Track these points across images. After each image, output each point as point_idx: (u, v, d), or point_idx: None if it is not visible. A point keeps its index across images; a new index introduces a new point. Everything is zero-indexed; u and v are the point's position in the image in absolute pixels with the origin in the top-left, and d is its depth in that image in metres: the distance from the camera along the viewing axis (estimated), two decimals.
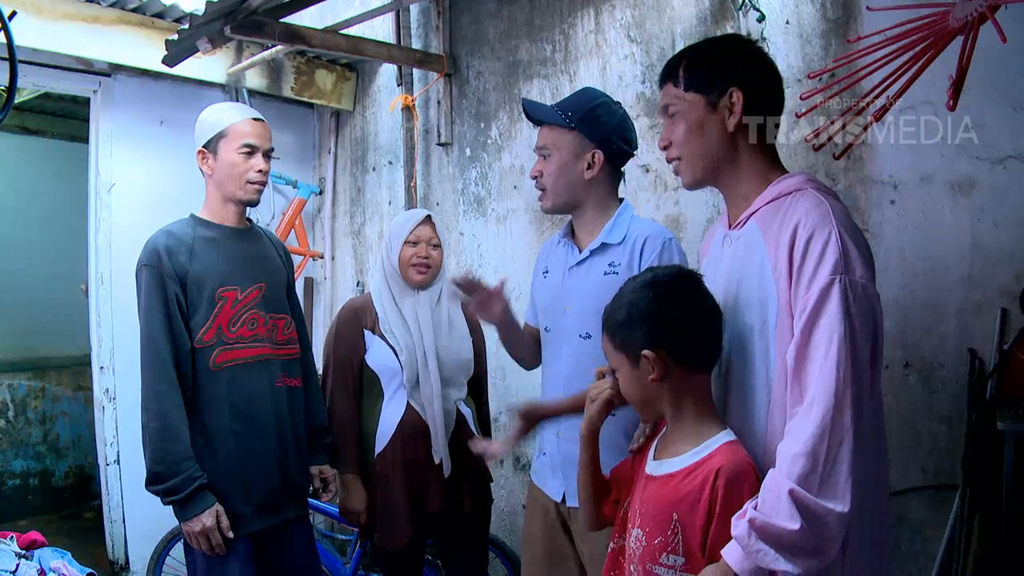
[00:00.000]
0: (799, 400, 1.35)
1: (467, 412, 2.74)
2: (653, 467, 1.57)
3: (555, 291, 2.19)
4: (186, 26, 3.03)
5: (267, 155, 2.39)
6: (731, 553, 1.34)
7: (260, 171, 2.36)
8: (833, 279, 1.34)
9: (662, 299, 1.49)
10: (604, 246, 2.10)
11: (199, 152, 2.34)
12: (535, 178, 2.17)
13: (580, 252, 2.15)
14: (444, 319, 2.71)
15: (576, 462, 2.05)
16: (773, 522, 1.28)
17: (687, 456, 1.49)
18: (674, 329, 1.48)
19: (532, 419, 2.00)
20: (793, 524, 1.27)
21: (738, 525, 1.33)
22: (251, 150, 2.33)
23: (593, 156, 2.10)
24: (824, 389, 1.30)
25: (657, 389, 1.50)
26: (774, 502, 1.30)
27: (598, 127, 2.11)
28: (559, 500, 2.13)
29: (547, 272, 2.26)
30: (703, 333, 1.51)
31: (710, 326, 1.51)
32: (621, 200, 2.20)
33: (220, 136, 2.32)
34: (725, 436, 1.48)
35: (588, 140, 2.10)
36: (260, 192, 2.40)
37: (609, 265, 2.07)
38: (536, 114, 2.19)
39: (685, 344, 1.49)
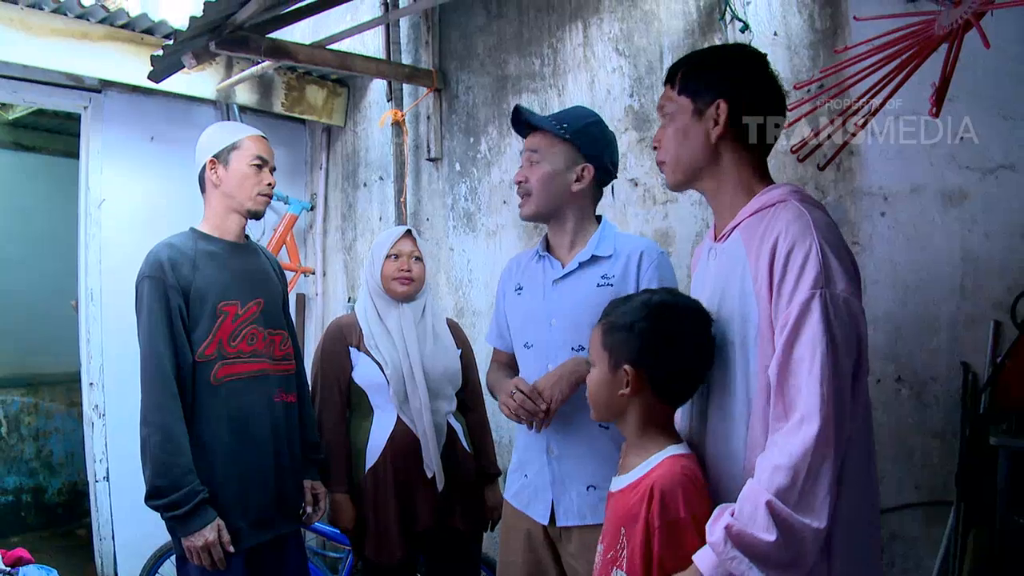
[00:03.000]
0: (783, 416, 1.34)
1: (457, 427, 2.72)
2: (614, 483, 1.58)
3: (535, 306, 2.15)
4: (172, 42, 3.02)
5: (272, 171, 2.44)
6: (704, 558, 1.33)
7: (269, 184, 2.41)
8: (814, 293, 1.32)
9: (670, 328, 1.50)
10: (594, 258, 2.08)
11: (210, 162, 2.35)
12: (520, 183, 2.14)
13: (563, 266, 2.12)
14: (429, 331, 2.69)
15: (571, 479, 2.03)
16: (749, 531, 1.28)
17: (635, 471, 1.51)
18: (665, 362, 1.49)
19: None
20: (769, 536, 1.26)
21: (714, 531, 1.32)
22: (262, 163, 2.38)
23: (583, 170, 2.10)
24: (809, 406, 1.29)
25: (622, 402, 1.52)
26: (751, 511, 1.29)
27: (592, 143, 2.11)
28: (546, 523, 2.07)
29: (520, 289, 2.22)
30: (691, 377, 1.53)
31: (699, 372, 1.52)
32: (598, 217, 2.18)
33: (233, 147, 2.36)
34: (671, 450, 1.49)
35: (580, 154, 2.09)
36: (267, 204, 2.45)
37: (602, 277, 2.06)
38: (531, 120, 2.16)
39: (670, 379, 1.51)
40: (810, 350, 1.30)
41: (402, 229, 2.71)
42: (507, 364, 2.31)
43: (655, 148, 1.65)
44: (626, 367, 1.48)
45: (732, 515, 1.31)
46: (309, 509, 2.54)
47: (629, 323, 1.50)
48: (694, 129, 1.55)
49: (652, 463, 1.48)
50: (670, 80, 1.61)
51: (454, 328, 2.86)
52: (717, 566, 1.30)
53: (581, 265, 2.09)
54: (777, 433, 1.34)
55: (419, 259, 2.68)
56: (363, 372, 2.62)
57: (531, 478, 2.12)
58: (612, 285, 2.02)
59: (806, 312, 1.32)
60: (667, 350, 1.48)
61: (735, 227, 1.53)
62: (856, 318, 1.36)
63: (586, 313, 1.98)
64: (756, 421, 1.42)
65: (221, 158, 2.35)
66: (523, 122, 2.19)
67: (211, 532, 2.14)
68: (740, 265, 1.47)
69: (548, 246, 2.20)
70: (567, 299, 2.09)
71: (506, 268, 2.35)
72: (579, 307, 2.04)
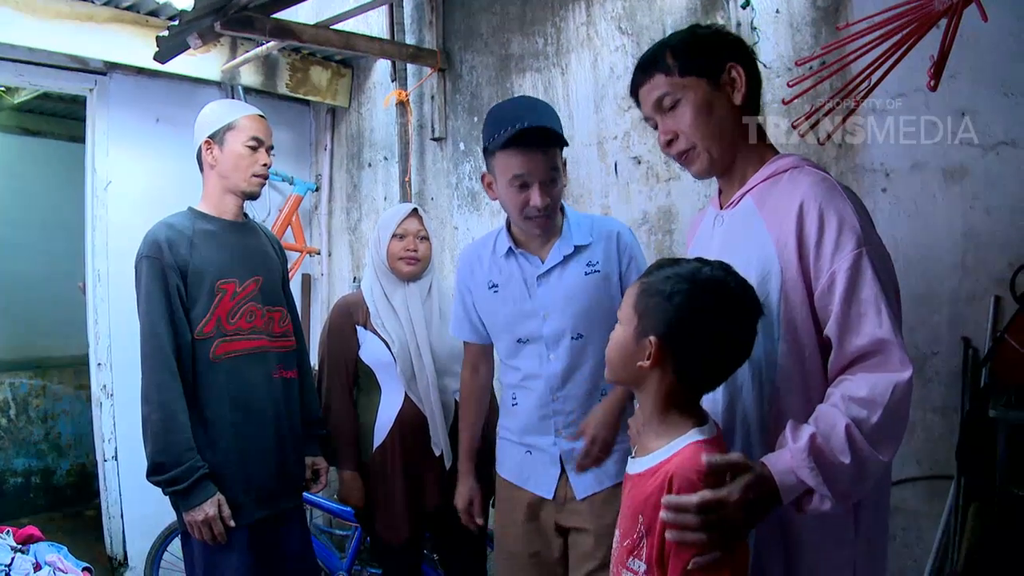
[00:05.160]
0: (849, 366, 1.36)
1: None
2: (631, 465, 1.48)
3: (521, 302, 2.14)
4: (177, 23, 3.03)
5: (269, 151, 2.43)
6: (778, 461, 1.30)
7: (264, 165, 2.41)
8: (860, 252, 1.36)
9: (712, 308, 1.34)
10: (577, 249, 2.11)
11: (205, 142, 2.36)
12: (545, 206, 2.02)
13: (543, 261, 2.12)
14: (435, 310, 2.71)
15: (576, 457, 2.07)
16: (829, 448, 1.28)
17: (655, 455, 1.39)
18: (696, 346, 1.35)
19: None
20: (844, 458, 1.27)
21: (798, 437, 1.30)
22: (257, 143, 2.38)
23: (565, 175, 2.13)
24: (890, 355, 1.32)
25: (639, 372, 1.39)
26: (827, 431, 1.29)
27: (563, 144, 2.11)
28: (551, 497, 2.12)
29: (496, 287, 2.19)
30: (720, 369, 1.41)
31: (732, 367, 1.41)
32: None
33: (228, 128, 2.36)
34: (694, 434, 1.36)
35: (561, 159, 2.10)
36: (262, 186, 2.44)
37: (588, 265, 2.10)
38: (556, 139, 2.04)
39: (697, 365, 1.38)
40: (874, 303, 1.34)
41: (408, 207, 2.71)
42: (482, 355, 2.38)
43: (668, 143, 1.58)
44: (651, 338, 1.34)
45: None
46: (310, 475, 2.58)
47: (669, 292, 1.34)
48: (718, 100, 1.54)
49: (672, 449, 1.36)
50: (660, 69, 1.56)
51: None
52: (789, 471, 1.28)
53: (565, 258, 2.11)
54: (853, 373, 1.34)
55: (425, 238, 2.69)
56: (370, 350, 2.64)
57: (535, 455, 2.16)
58: (599, 271, 2.08)
59: (858, 269, 1.36)
60: (701, 333, 1.34)
61: (746, 193, 1.55)
62: (891, 264, 1.44)
63: (580, 301, 2.07)
64: (782, 380, 1.44)
65: (217, 138, 2.36)
66: (539, 139, 2.02)
67: (211, 507, 2.17)
68: (755, 229, 1.49)
69: (517, 243, 2.17)
70: (557, 291, 2.10)
71: (463, 262, 2.31)
72: (571, 297, 2.08)
